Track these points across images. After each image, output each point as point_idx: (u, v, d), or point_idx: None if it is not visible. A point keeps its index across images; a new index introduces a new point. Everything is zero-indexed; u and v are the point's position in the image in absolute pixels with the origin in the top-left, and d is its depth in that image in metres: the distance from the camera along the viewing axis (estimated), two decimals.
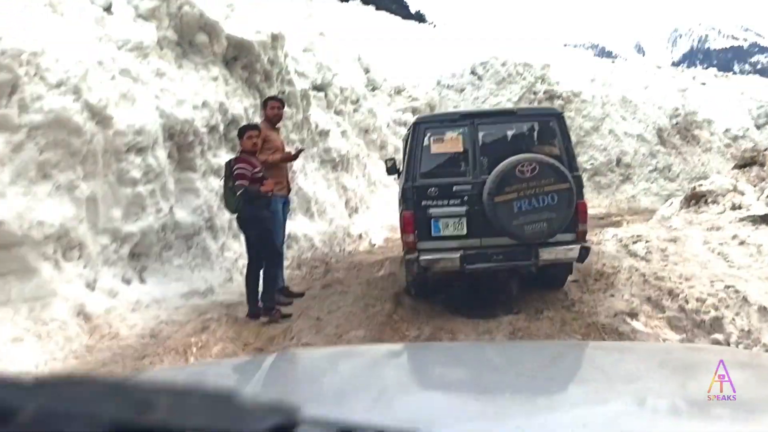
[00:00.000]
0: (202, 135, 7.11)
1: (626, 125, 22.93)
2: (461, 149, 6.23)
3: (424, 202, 6.05)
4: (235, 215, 6.51)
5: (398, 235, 13.20)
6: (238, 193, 6.13)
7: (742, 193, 11.91)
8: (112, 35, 6.24)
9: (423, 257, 5.96)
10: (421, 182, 6.09)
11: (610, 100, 22.56)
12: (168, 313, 5.81)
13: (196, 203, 7.17)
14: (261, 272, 6.62)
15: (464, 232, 6.02)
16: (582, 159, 22.17)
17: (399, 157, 10.50)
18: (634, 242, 9.00)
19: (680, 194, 24.03)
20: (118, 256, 5.80)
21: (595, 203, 22.38)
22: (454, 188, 6.06)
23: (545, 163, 5.81)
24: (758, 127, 28.54)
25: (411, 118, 19.46)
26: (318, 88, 11.70)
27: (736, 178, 12.78)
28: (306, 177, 10.57)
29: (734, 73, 51.74)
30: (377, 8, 36.52)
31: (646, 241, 8.88)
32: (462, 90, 20.69)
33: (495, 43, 23.58)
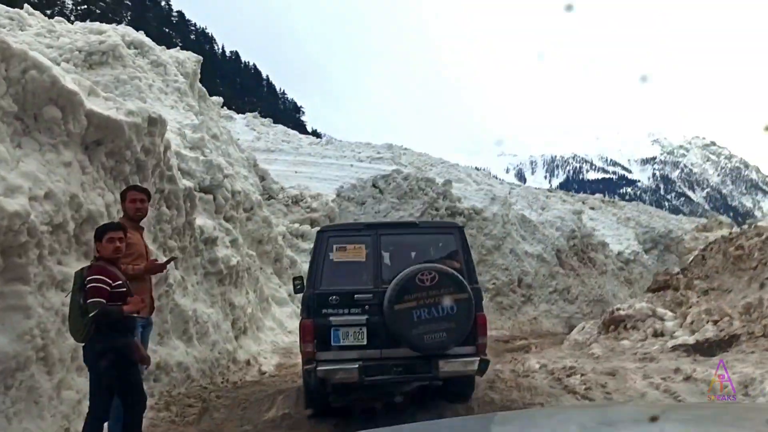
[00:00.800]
0: (42, 235, 5.37)
1: (526, 245, 22.72)
2: (364, 258, 6.19)
3: (324, 311, 5.94)
4: (83, 345, 4.77)
5: (293, 361, 11.46)
6: (91, 315, 4.47)
7: (662, 319, 11.23)
8: None
9: (321, 368, 5.77)
10: (323, 290, 6.00)
11: (510, 219, 22.39)
12: None
13: (24, 326, 5.30)
14: (106, 426, 4.82)
15: (364, 342, 5.90)
16: (484, 278, 21.51)
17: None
18: (568, 375, 7.85)
19: (579, 316, 23.80)
20: None
21: (498, 324, 21.53)
22: (356, 297, 5.98)
23: (445, 273, 5.82)
24: (646, 251, 29.48)
25: (309, 230, 18.20)
26: (205, 190, 10.20)
27: (651, 302, 12.19)
28: (185, 292, 8.83)
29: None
30: (275, 122, 36.06)
31: (582, 375, 7.75)
32: (363, 203, 19.78)
33: (396, 158, 23.23)
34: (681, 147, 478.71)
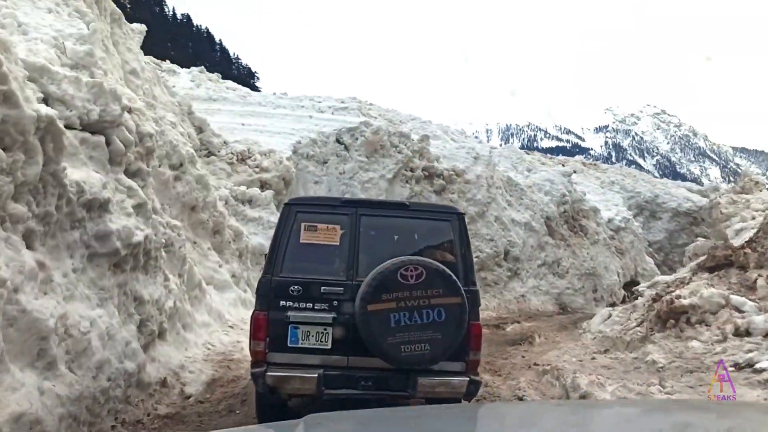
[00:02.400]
0: None
1: (513, 212, 19.72)
2: (337, 242, 5.17)
3: (282, 303, 4.95)
4: None
5: (234, 372, 8.46)
6: None
7: (740, 310, 8.28)
8: None
9: (271, 373, 4.79)
10: (282, 277, 5.01)
11: (495, 182, 19.30)
12: None
13: None
14: None
15: (328, 345, 4.92)
16: None
17: None
18: None
19: (570, 292, 21.03)
20: None
21: (482, 304, 18.64)
22: (323, 289, 4.99)
23: (434, 270, 4.81)
24: (634, 217, 26.92)
25: (258, 194, 14.75)
26: (92, 127, 6.68)
27: (710, 284, 9.25)
28: (48, 288, 5.40)
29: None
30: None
31: None
32: (325, 162, 16.36)
33: (363, 109, 19.72)
34: (633, 115, 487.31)
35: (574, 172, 28.10)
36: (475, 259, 18.30)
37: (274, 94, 19.30)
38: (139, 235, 6.91)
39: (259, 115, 17.46)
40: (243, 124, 16.71)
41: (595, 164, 32.84)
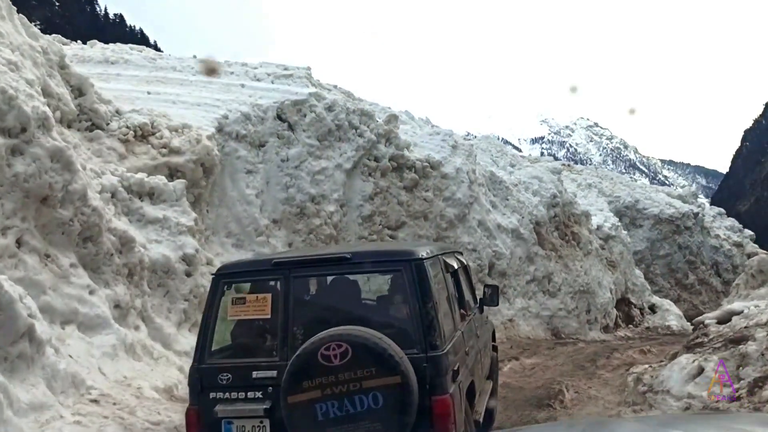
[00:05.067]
0: None
1: (498, 215, 15.87)
2: (268, 315, 4.31)
3: (213, 394, 4.18)
4: None
5: None
6: None
7: None
8: None
9: None
10: (210, 364, 4.26)
11: (477, 178, 15.43)
12: None
13: None
14: None
15: None
16: None
17: None
18: None
19: (563, 314, 17.20)
20: None
21: None
22: (254, 375, 4.17)
23: (362, 345, 3.83)
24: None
25: (163, 185, 10.35)
26: None
27: None
28: None
29: None
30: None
31: None
32: (262, 145, 12.06)
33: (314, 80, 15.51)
34: (567, 127, 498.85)
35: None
36: None
37: (194, 57, 14.89)
38: None
39: (172, 83, 13.03)
40: (149, 93, 12.25)
41: (568, 165, 29.72)
